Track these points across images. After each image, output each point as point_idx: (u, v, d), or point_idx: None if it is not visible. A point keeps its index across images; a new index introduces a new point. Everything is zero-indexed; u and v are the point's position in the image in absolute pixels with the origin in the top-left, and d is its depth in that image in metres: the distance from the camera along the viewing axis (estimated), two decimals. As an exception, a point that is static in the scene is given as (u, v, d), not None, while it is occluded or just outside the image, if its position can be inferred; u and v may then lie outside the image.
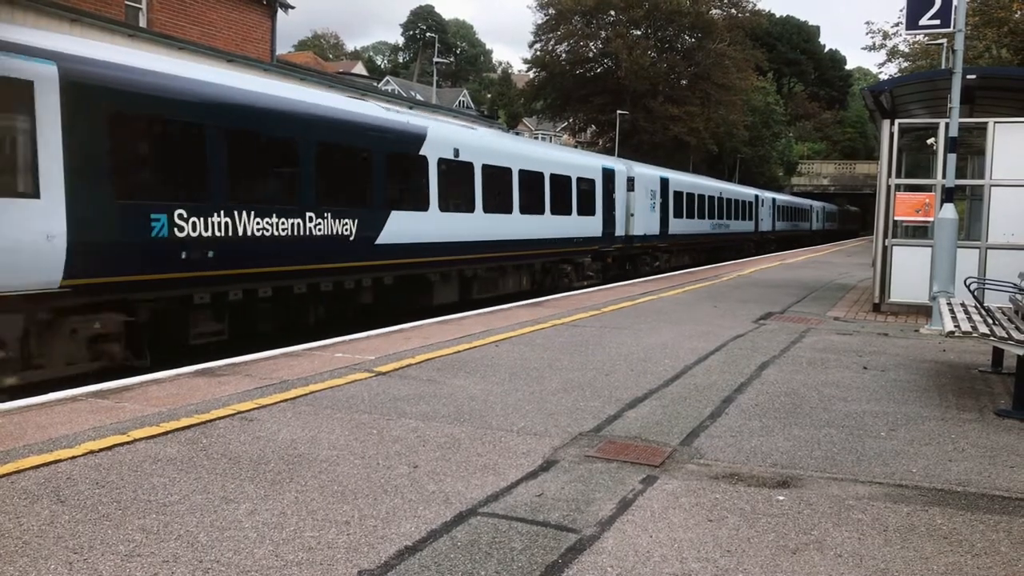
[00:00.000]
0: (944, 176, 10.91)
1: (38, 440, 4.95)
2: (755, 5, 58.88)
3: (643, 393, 6.60)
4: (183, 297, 8.94)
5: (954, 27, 10.46)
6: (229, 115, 9.41)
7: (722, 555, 3.52)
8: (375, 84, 54.82)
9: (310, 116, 10.77)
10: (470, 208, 14.58)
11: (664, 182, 25.50)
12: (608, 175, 20.99)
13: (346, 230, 11.21)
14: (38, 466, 4.46)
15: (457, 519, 3.84)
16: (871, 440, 5.36)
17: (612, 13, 54.46)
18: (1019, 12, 25.31)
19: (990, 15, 25.51)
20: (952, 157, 10.60)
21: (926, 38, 27.15)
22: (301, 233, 10.34)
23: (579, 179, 19.24)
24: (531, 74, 59.89)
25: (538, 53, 56.27)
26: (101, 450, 4.77)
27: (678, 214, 26.65)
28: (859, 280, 18.84)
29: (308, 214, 10.47)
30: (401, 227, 12.37)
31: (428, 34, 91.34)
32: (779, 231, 42.32)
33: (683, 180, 28.51)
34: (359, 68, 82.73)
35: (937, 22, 10.67)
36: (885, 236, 12.36)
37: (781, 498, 4.24)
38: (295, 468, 4.54)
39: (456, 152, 14.08)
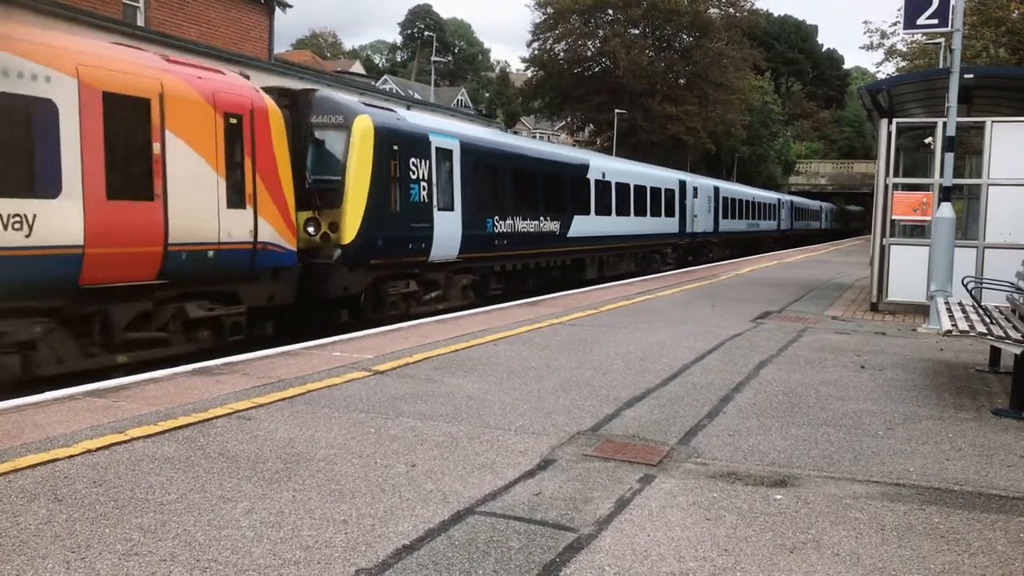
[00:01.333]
0: (942, 175, 10.92)
1: (35, 439, 4.94)
2: (753, 4, 59.06)
3: (641, 392, 6.61)
4: (492, 267, 15.46)
5: (952, 26, 10.47)
6: (510, 161, 16.24)
7: (719, 554, 3.52)
8: (373, 83, 54.74)
9: (542, 158, 17.72)
10: (608, 212, 20.93)
11: (716, 190, 31.97)
12: (682, 186, 27.52)
13: (555, 228, 17.79)
14: (35, 465, 4.45)
15: (455, 518, 3.84)
16: (868, 439, 5.37)
17: (610, 12, 54.51)
18: (1017, 12, 25.33)
19: (988, 14, 25.53)
20: (950, 156, 10.61)
21: (924, 37, 27.19)
22: (537, 230, 16.98)
23: (666, 190, 25.78)
24: (529, 73, 59.93)
25: (536, 52, 56.30)
26: (98, 449, 4.76)
27: (725, 216, 32.93)
28: (857, 279, 18.85)
29: (540, 218, 17.08)
30: (576, 226, 18.84)
31: (426, 33, 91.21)
32: (795, 229, 48.42)
33: (729, 188, 35.45)
34: (357, 67, 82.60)
35: (935, 21, 10.68)
36: (883, 235, 12.37)
37: (779, 497, 4.24)
38: (293, 467, 4.54)
39: (603, 174, 20.80)
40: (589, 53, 55.80)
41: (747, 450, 5.07)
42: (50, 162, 7.43)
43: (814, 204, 57.83)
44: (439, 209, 13.20)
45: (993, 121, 11.65)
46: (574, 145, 54.00)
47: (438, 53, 74.21)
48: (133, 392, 6.29)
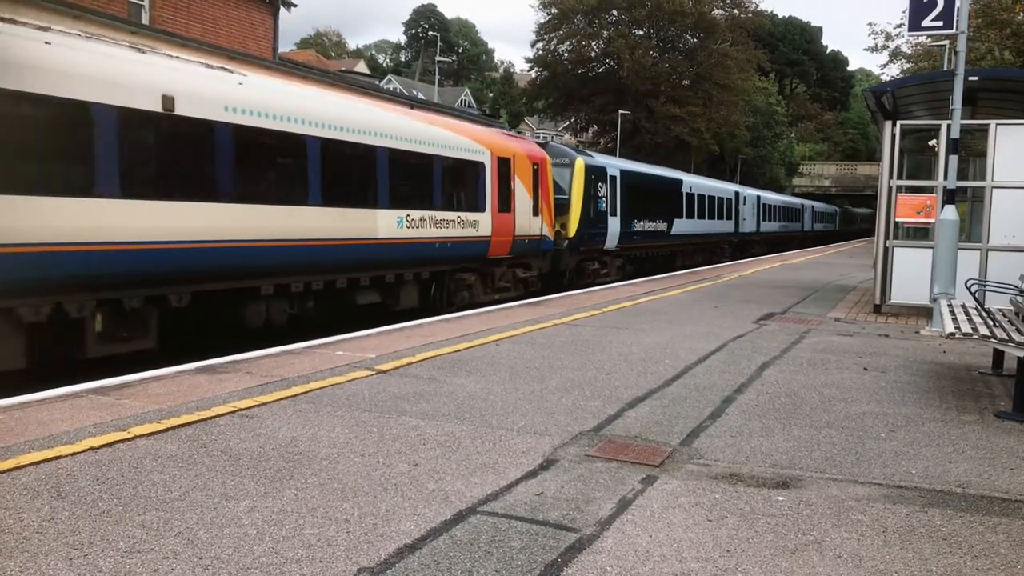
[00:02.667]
0: (945, 178, 10.90)
1: (39, 436, 4.95)
2: (757, 6, 58.94)
3: (643, 393, 6.61)
4: (633, 254, 22.99)
5: (956, 29, 10.45)
6: (641, 180, 23.40)
7: (721, 555, 3.52)
8: (376, 83, 54.76)
9: (659, 177, 25.95)
10: (692, 216, 28.21)
11: (758, 198, 39.65)
12: (736, 195, 35.16)
13: (664, 228, 25.29)
14: (39, 462, 4.46)
15: (457, 518, 3.85)
16: (871, 441, 5.36)
17: (614, 13, 54.44)
18: (1022, 14, 25.29)
19: (993, 17, 25.51)
20: (953, 159, 10.59)
21: (928, 40, 27.14)
22: (656, 229, 24.45)
23: (725, 199, 33.39)
24: (533, 73, 59.90)
25: (540, 52, 56.26)
26: (102, 447, 4.77)
27: (764, 219, 40.46)
28: (860, 281, 18.83)
29: (657, 221, 24.59)
30: (676, 227, 26.24)
31: (430, 33, 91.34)
32: (816, 230, 55.55)
33: (767, 196, 42.85)
34: (361, 66, 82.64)
35: (939, 24, 10.67)
36: (886, 237, 12.36)
37: (781, 498, 4.24)
38: (295, 466, 4.55)
39: (690, 188, 28.20)
40: (593, 54, 55.75)
41: (749, 451, 5.07)
42: (482, 193, 14.52)
43: (831, 208, 64.93)
44: (610, 215, 20.80)
45: (997, 124, 11.63)
46: (578, 145, 54.09)
47: (442, 53, 74.23)
48: (136, 390, 6.31)
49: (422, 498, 4.09)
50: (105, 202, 7.87)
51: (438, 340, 8.96)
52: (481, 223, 14.29)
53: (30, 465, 4.41)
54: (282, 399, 6.09)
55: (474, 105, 76.32)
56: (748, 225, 36.88)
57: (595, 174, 19.88)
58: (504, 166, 15.11)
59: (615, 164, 22.20)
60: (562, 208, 18.42)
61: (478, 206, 14.23)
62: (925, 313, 11.70)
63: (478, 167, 14.31)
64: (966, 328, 6.50)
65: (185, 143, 8.74)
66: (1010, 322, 7.17)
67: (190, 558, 3.34)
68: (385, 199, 11.81)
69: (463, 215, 13.79)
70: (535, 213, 16.32)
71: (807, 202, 54.05)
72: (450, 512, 3.91)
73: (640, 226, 23.01)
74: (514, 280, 15.99)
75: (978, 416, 6.16)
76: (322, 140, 10.50)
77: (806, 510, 4.09)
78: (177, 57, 9.39)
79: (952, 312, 7.70)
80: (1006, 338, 6.16)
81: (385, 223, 11.81)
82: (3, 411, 5.56)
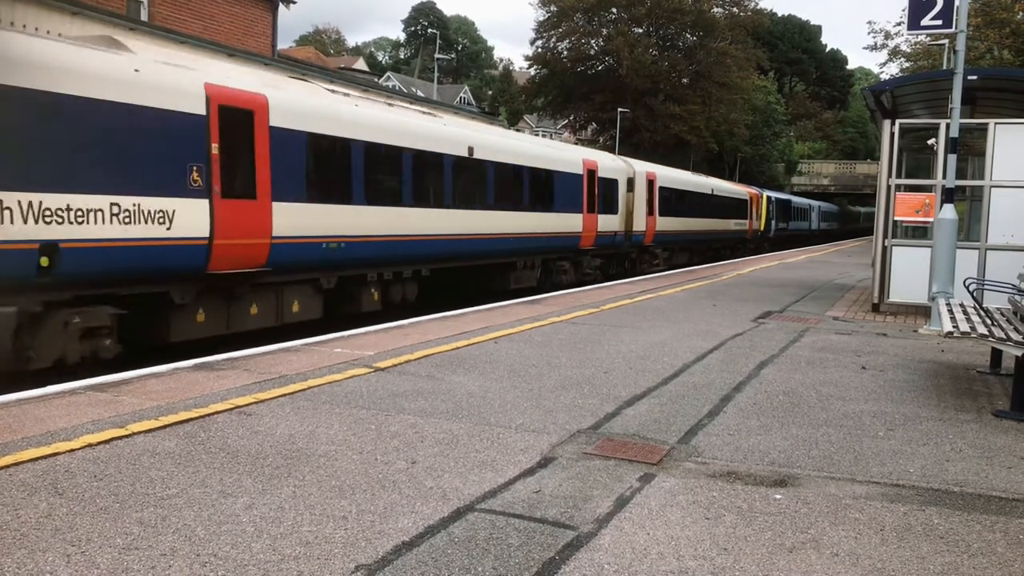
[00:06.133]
0: (944, 177, 10.90)
1: (36, 433, 4.95)
2: (757, 4, 58.83)
3: (641, 391, 6.61)
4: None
5: (956, 28, 10.45)
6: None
7: (719, 553, 3.53)
8: (376, 80, 54.73)
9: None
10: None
11: (788, 201, 47.49)
12: (768, 199, 41.78)
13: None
14: (36, 459, 4.46)
15: (455, 515, 3.85)
16: (869, 440, 5.37)
17: (614, 11, 54.37)
18: (1021, 13, 25.30)
19: (992, 16, 25.52)
20: (952, 158, 10.60)
21: (928, 39, 27.15)
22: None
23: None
24: (532, 71, 59.80)
25: (539, 50, 56.18)
26: (99, 443, 4.77)
27: (784, 219, 46.13)
28: (858, 280, 18.84)
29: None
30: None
31: (429, 30, 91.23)
32: (822, 229, 59.89)
33: (793, 199, 50.44)
34: (360, 64, 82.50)
35: (939, 23, 10.67)
36: (885, 236, 12.36)
37: (778, 497, 4.25)
38: (293, 463, 4.54)
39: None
40: (592, 51, 55.68)
41: (747, 450, 5.07)
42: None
43: (834, 207, 68.29)
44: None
45: (996, 123, 11.63)
46: (576, 143, 54.10)
47: (441, 50, 74.17)
48: (134, 386, 6.30)
49: (420, 495, 4.09)
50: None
51: (436, 338, 8.96)
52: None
53: (28, 462, 4.41)
54: (280, 396, 6.09)
55: (473, 103, 76.23)
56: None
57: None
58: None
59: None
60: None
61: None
62: (923, 312, 11.71)
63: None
64: (964, 327, 6.50)
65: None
66: (1008, 321, 7.17)
67: (188, 555, 3.34)
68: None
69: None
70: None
71: (814, 202, 58.97)
72: (448, 509, 3.91)
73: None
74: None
75: (976, 415, 6.17)
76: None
77: (804, 508, 4.09)
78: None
79: (950, 311, 7.71)
80: (1004, 337, 6.16)
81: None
82: (1, 408, 5.56)
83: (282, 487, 4.16)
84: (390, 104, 14.29)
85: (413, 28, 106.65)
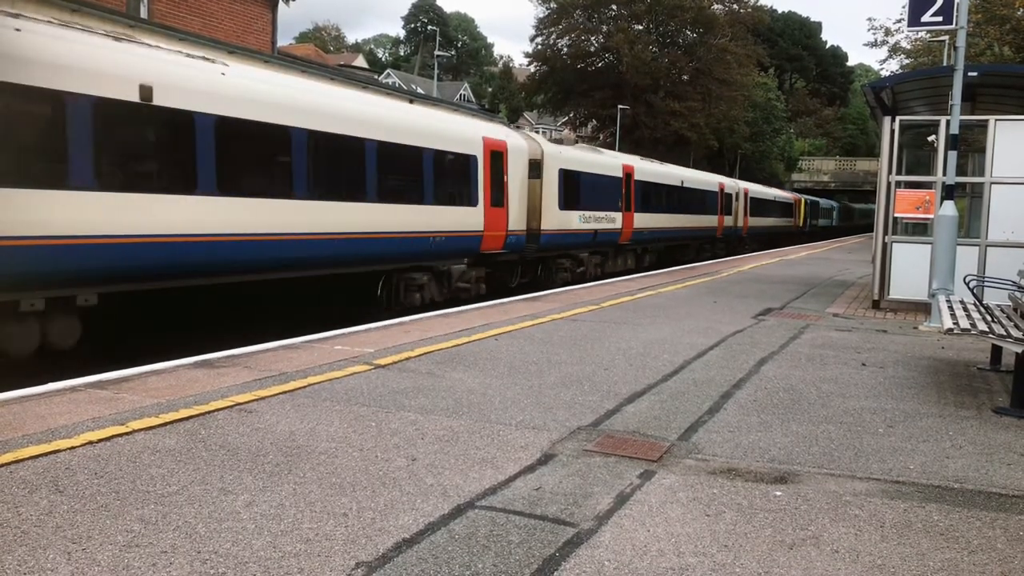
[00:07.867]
0: (945, 173, 10.90)
1: (37, 430, 4.95)
2: (757, 1, 58.83)
3: (641, 388, 6.61)
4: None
5: (956, 24, 10.44)
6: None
7: (719, 550, 3.53)
8: (376, 77, 54.70)
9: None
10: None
11: (816, 202, 56.07)
12: (798, 200, 48.04)
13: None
14: (37, 456, 4.46)
15: (455, 512, 3.85)
16: (869, 436, 5.37)
17: (614, 7, 54.41)
18: (1021, 10, 25.27)
19: (992, 12, 25.49)
20: (953, 154, 10.59)
21: (928, 35, 27.13)
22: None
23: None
24: (532, 68, 59.79)
25: (539, 47, 56.21)
26: (100, 441, 4.77)
27: (815, 217, 54.54)
28: (858, 277, 18.84)
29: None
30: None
31: (429, 27, 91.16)
32: (838, 225, 65.29)
33: (819, 201, 58.68)
34: (360, 61, 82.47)
35: (939, 19, 10.66)
36: (885, 233, 12.36)
37: (778, 493, 4.25)
38: (293, 460, 4.55)
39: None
40: (592, 48, 55.70)
41: (747, 446, 5.07)
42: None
43: (844, 204, 72.32)
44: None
45: (997, 119, 11.62)
46: (576, 140, 54.08)
47: (441, 47, 74.11)
48: (135, 384, 6.31)
49: (420, 492, 4.09)
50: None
51: (436, 335, 8.96)
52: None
53: (28, 459, 4.41)
54: (280, 393, 6.09)
55: (473, 100, 76.22)
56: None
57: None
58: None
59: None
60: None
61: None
62: (924, 309, 11.70)
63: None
64: (964, 324, 6.50)
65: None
66: (1008, 318, 7.17)
67: (188, 552, 3.34)
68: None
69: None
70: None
71: (835, 203, 66.64)
72: (448, 506, 3.92)
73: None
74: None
75: (976, 412, 6.17)
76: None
77: (804, 505, 4.09)
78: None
79: (951, 308, 7.71)
80: (1004, 334, 6.16)
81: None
82: (2, 405, 5.56)
83: (283, 484, 4.16)
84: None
85: (413, 25, 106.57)
